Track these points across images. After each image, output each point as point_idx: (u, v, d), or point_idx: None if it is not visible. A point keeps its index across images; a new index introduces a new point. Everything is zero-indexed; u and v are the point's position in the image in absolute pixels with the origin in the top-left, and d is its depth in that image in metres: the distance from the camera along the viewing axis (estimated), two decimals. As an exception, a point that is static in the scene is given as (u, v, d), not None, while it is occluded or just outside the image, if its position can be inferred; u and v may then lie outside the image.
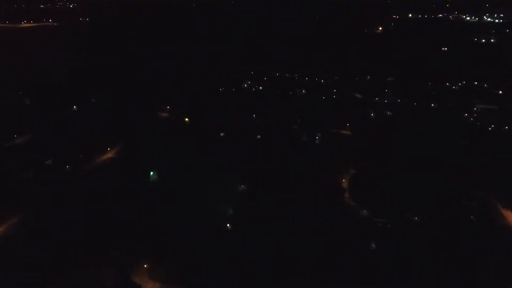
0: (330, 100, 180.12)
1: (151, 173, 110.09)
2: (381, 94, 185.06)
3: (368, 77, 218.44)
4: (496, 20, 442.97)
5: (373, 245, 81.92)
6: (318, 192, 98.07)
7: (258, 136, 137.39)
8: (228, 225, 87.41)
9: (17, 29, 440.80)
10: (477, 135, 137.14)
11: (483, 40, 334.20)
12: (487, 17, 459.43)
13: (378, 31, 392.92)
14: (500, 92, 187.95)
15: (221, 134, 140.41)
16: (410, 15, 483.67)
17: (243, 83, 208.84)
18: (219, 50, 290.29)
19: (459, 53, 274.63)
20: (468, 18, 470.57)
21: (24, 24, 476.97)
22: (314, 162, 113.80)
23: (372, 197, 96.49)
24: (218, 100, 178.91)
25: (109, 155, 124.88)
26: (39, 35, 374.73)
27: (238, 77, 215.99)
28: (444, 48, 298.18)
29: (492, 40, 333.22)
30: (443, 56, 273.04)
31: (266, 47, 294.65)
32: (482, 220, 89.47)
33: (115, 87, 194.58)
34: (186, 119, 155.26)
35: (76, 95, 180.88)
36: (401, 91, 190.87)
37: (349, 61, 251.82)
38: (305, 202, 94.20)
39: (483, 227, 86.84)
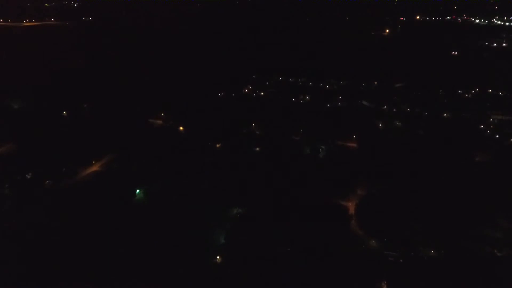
0: (335, 108, 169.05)
1: (137, 191, 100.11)
2: (390, 102, 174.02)
3: (375, 82, 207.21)
4: (507, 23, 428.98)
5: (384, 285, 71.37)
6: (321, 218, 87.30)
7: (257, 149, 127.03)
8: (218, 257, 76.93)
9: (18, 28, 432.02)
10: (496, 150, 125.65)
11: (495, 44, 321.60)
12: (497, 20, 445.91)
13: (385, 34, 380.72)
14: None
15: (217, 146, 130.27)
16: (418, 17, 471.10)
17: (244, 87, 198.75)
18: (218, 51, 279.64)
19: (471, 58, 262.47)
20: (477, 20, 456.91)
21: (26, 23, 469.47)
22: (317, 182, 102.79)
23: (382, 225, 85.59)
24: (216, 107, 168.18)
25: (94, 168, 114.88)
26: (37, 35, 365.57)
27: (239, 81, 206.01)
28: (454, 52, 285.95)
29: (504, 44, 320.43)
30: (453, 61, 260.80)
31: (269, 49, 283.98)
32: (508, 255, 78.45)
33: (108, 91, 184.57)
34: (181, 128, 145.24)
35: (68, 99, 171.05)
36: (411, 98, 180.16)
37: (355, 65, 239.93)
38: (306, 230, 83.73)
39: (509, 263, 75.89)
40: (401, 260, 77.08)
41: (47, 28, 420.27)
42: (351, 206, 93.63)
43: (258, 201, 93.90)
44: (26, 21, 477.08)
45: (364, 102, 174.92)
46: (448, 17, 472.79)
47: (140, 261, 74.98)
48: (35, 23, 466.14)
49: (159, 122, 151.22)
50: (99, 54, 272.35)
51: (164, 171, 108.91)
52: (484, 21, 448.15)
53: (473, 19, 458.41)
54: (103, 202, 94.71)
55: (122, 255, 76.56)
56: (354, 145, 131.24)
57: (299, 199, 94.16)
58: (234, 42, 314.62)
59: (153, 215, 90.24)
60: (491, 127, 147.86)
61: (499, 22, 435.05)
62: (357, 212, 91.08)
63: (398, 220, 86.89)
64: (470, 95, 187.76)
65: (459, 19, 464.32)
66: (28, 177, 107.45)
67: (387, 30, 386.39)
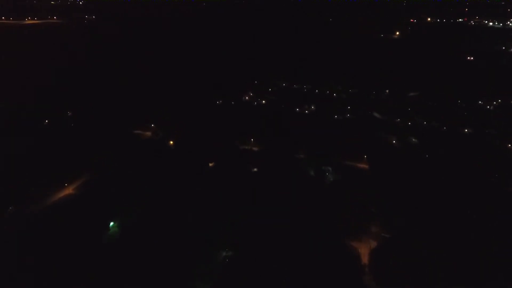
0: (342, 121, 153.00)
1: (111, 224, 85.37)
2: (404, 113, 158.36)
3: (387, 91, 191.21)
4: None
5: None
6: (327, 266, 71.75)
7: (255, 169, 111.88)
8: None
9: (19, 26, 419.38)
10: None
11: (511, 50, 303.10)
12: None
13: (395, 36, 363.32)
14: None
15: (210, 165, 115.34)
16: (429, 18, 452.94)
17: (244, 94, 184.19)
18: (215, 54, 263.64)
19: (491, 65, 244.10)
20: (491, 23, 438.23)
21: (28, 21, 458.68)
22: (322, 216, 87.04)
23: (404, 277, 69.67)
24: (213, 117, 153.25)
25: (67, 191, 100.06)
26: (36, 34, 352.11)
27: (239, 87, 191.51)
28: (470, 57, 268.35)
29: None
30: (471, 68, 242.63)
31: (271, 53, 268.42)
32: None
33: (88, 97, 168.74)
34: (171, 142, 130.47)
35: (51, 107, 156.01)
36: (427, 109, 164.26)
37: (364, 70, 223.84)
38: (308, 283, 68.34)
39: None
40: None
41: (48, 27, 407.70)
42: (363, 250, 77.51)
43: (252, 243, 78.49)
44: (28, 19, 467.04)
45: (376, 114, 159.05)
46: (460, 19, 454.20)
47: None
48: (37, 21, 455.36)
49: (148, 134, 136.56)
50: (86, 55, 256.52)
51: (146, 198, 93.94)
52: (498, 24, 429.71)
53: (486, 22, 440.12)
54: (76, 232, 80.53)
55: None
56: (366, 166, 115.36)
57: (299, 242, 78.53)
58: (234, 43, 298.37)
59: (125, 255, 75.53)
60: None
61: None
62: (371, 258, 75.13)
63: (423, 270, 70.77)
64: (492, 107, 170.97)
65: (472, 22, 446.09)
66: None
67: (397, 33, 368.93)
